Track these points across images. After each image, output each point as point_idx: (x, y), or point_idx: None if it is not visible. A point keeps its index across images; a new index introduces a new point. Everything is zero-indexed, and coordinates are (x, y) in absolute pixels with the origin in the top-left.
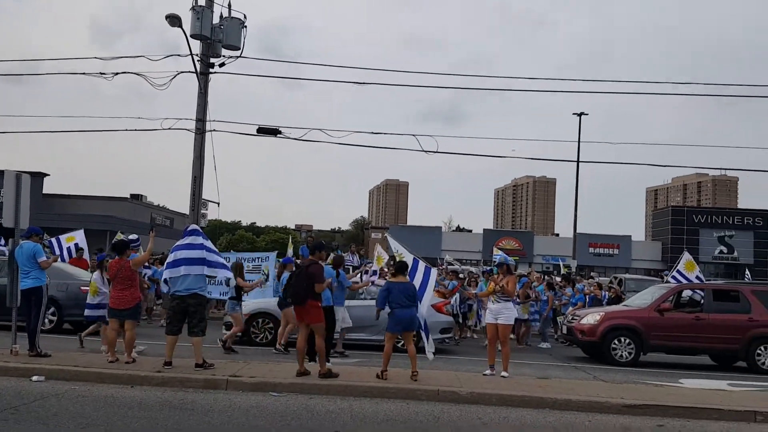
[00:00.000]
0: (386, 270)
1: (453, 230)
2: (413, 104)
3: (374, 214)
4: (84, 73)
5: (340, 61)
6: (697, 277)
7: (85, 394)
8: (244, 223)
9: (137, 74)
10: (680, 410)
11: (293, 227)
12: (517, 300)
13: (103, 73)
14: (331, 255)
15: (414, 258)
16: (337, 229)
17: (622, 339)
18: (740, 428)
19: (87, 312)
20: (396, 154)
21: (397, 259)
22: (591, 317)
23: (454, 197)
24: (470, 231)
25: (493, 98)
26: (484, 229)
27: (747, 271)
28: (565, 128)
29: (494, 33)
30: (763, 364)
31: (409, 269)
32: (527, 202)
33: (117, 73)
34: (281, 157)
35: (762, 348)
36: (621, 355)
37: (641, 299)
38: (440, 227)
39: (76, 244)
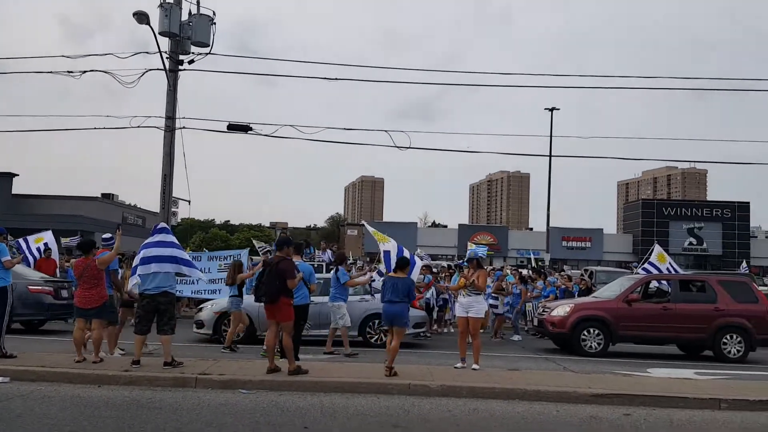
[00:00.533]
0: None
1: (428, 226)
2: (389, 101)
3: (350, 211)
4: (51, 72)
5: (315, 58)
6: (668, 269)
7: (52, 395)
8: (217, 222)
9: (105, 72)
10: (647, 399)
11: (268, 225)
12: (492, 294)
13: (71, 72)
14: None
15: (398, 244)
16: (312, 226)
17: (592, 330)
18: (705, 416)
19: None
20: (371, 150)
21: (380, 244)
22: (561, 309)
23: (430, 193)
24: (445, 226)
25: (467, 94)
26: (459, 225)
27: (744, 263)
28: (539, 124)
29: (467, 29)
30: (729, 352)
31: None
32: (502, 197)
33: (85, 71)
34: (256, 154)
35: (728, 337)
36: (590, 346)
37: (610, 291)
38: (416, 223)
39: (45, 244)
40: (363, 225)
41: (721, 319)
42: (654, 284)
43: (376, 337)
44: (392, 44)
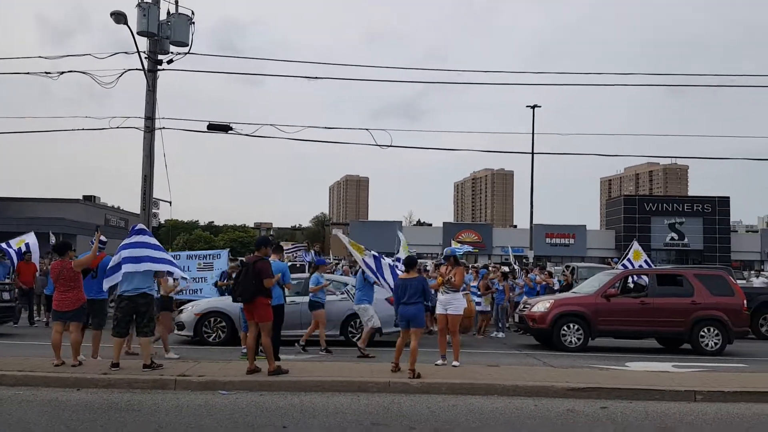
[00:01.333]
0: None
1: (413, 224)
2: (373, 100)
3: (335, 210)
4: (29, 73)
5: (299, 57)
6: (640, 266)
7: (30, 399)
8: (201, 223)
9: (83, 73)
10: (623, 392)
11: (252, 226)
12: (479, 292)
13: (49, 73)
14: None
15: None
16: (297, 226)
17: (571, 325)
18: (680, 408)
19: None
20: (356, 149)
21: (354, 247)
22: (541, 305)
23: (415, 192)
24: (430, 225)
25: (451, 92)
26: (444, 223)
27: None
28: (524, 121)
29: (450, 27)
30: (707, 345)
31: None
32: (486, 194)
33: (63, 72)
34: (240, 155)
35: (705, 330)
36: (570, 341)
37: (589, 286)
38: (400, 222)
39: (27, 245)
40: (335, 232)
41: (698, 313)
42: (632, 279)
43: (358, 336)
44: (376, 42)
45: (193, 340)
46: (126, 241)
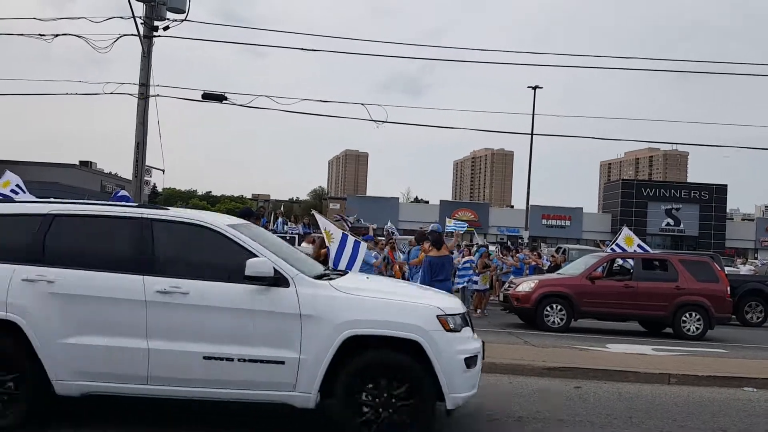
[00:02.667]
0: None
1: (411, 201)
2: (375, 75)
3: (333, 185)
4: (22, 35)
5: (301, 29)
6: (635, 251)
7: None
8: (199, 192)
9: (78, 36)
10: (598, 372)
11: (250, 197)
12: (476, 271)
13: (43, 35)
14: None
15: (342, 233)
16: (295, 198)
17: (555, 306)
18: (653, 389)
19: None
20: (356, 124)
21: (325, 236)
22: (526, 285)
23: (414, 169)
24: (427, 202)
25: (454, 70)
26: (441, 200)
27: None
28: (526, 102)
29: (456, 2)
30: (688, 330)
31: (337, 245)
32: (485, 174)
33: (57, 35)
34: (241, 126)
35: (687, 315)
36: (553, 321)
37: (574, 268)
38: (397, 198)
39: (18, 186)
40: (313, 212)
41: (681, 298)
42: (619, 262)
43: None
44: (380, 16)
45: None
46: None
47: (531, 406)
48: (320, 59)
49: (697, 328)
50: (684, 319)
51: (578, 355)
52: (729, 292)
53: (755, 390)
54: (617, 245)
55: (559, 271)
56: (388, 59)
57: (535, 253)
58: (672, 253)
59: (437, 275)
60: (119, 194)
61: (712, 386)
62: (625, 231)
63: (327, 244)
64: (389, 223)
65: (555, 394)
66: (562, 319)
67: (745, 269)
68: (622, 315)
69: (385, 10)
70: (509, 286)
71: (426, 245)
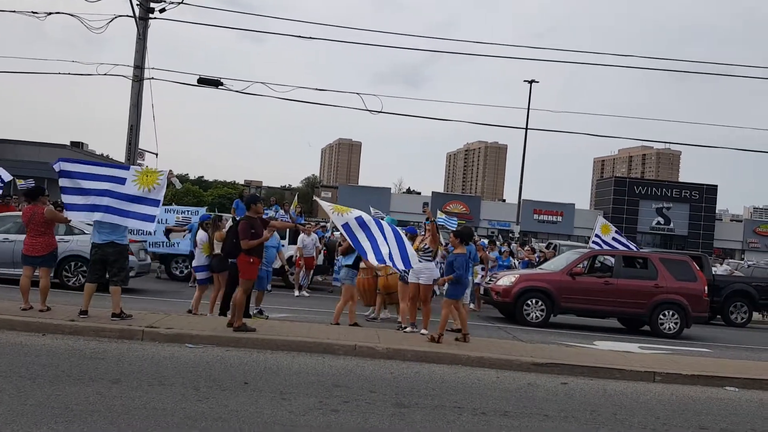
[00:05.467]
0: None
1: (403, 192)
2: (375, 65)
3: (326, 173)
4: (15, 11)
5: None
6: (614, 238)
7: None
8: (192, 177)
9: (72, 15)
10: (585, 369)
11: (242, 183)
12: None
13: (36, 12)
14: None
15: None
16: (287, 186)
17: (535, 301)
18: (638, 387)
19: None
20: (351, 113)
21: (335, 209)
22: (506, 279)
23: (407, 160)
24: (419, 193)
25: (454, 63)
26: (433, 192)
27: None
28: (523, 96)
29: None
30: (665, 328)
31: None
32: (478, 167)
33: (50, 13)
34: (235, 111)
35: (665, 313)
36: (532, 316)
37: (556, 263)
38: (389, 188)
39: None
40: (315, 197)
41: (659, 296)
42: (600, 259)
43: (74, 279)
44: (382, 8)
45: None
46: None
47: (518, 402)
48: (319, 48)
49: (674, 327)
50: (661, 317)
51: (565, 351)
52: (706, 292)
53: (737, 390)
54: (596, 236)
55: (541, 266)
56: (388, 50)
57: (527, 248)
58: (652, 251)
59: (461, 270)
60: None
61: (696, 385)
62: (601, 220)
63: (343, 213)
64: (372, 210)
65: (542, 390)
66: (541, 314)
67: (721, 269)
68: (602, 311)
69: (387, 1)
70: (490, 280)
71: (420, 237)
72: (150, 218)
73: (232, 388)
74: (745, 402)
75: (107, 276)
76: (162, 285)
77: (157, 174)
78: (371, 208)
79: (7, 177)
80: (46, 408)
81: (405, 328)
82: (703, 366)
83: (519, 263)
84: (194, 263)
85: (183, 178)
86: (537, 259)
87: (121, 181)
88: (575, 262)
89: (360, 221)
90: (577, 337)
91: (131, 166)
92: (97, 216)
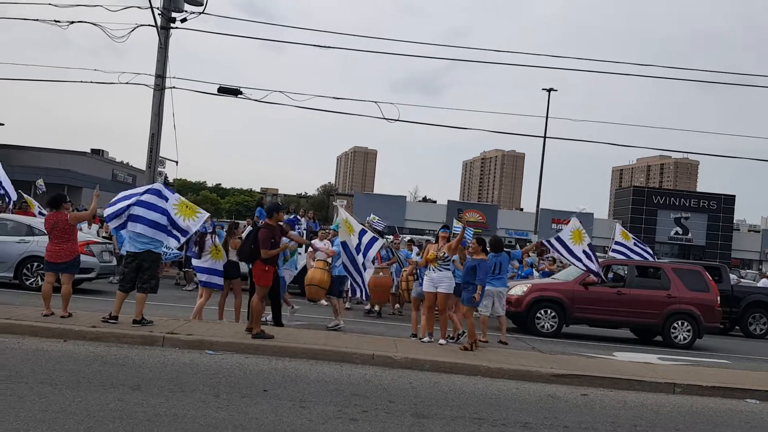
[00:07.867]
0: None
1: (418, 200)
2: (393, 73)
3: (341, 181)
4: (37, 20)
5: (321, 26)
6: (635, 244)
7: (14, 347)
8: (209, 184)
9: (94, 24)
10: (605, 381)
11: (259, 190)
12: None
13: (58, 21)
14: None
15: (362, 228)
16: (303, 194)
17: (547, 311)
18: (658, 399)
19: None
20: (366, 121)
21: (346, 228)
22: (518, 288)
23: (423, 168)
24: (435, 202)
25: (472, 71)
26: (449, 201)
27: None
28: (541, 105)
29: (478, 6)
30: (677, 339)
31: (357, 238)
32: (495, 175)
33: (72, 22)
34: (254, 120)
35: (677, 323)
36: (544, 326)
37: (568, 273)
38: (405, 197)
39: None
40: (335, 203)
41: (672, 306)
42: (613, 269)
43: (33, 279)
44: (402, 15)
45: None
46: (140, 196)
47: (538, 413)
48: (338, 56)
49: (686, 337)
50: (674, 327)
51: (585, 362)
52: (719, 302)
53: (758, 402)
54: (617, 243)
55: (554, 276)
56: (406, 58)
57: (548, 258)
58: (665, 261)
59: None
60: (156, 188)
61: (716, 397)
62: (618, 228)
63: (348, 235)
64: (371, 215)
65: (562, 401)
66: (553, 325)
67: (761, 282)
68: (614, 322)
69: (407, 9)
70: None
71: (435, 245)
72: (176, 240)
73: (251, 395)
74: (766, 414)
75: (137, 284)
76: (181, 291)
77: (197, 211)
78: (371, 215)
79: (14, 196)
80: (67, 414)
81: (422, 338)
82: (723, 378)
83: (539, 274)
84: (201, 265)
85: (200, 186)
86: (558, 270)
87: (163, 196)
88: (588, 271)
89: (357, 249)
90: (596, 348)
91: (176, 194)
92: (139, 228)
